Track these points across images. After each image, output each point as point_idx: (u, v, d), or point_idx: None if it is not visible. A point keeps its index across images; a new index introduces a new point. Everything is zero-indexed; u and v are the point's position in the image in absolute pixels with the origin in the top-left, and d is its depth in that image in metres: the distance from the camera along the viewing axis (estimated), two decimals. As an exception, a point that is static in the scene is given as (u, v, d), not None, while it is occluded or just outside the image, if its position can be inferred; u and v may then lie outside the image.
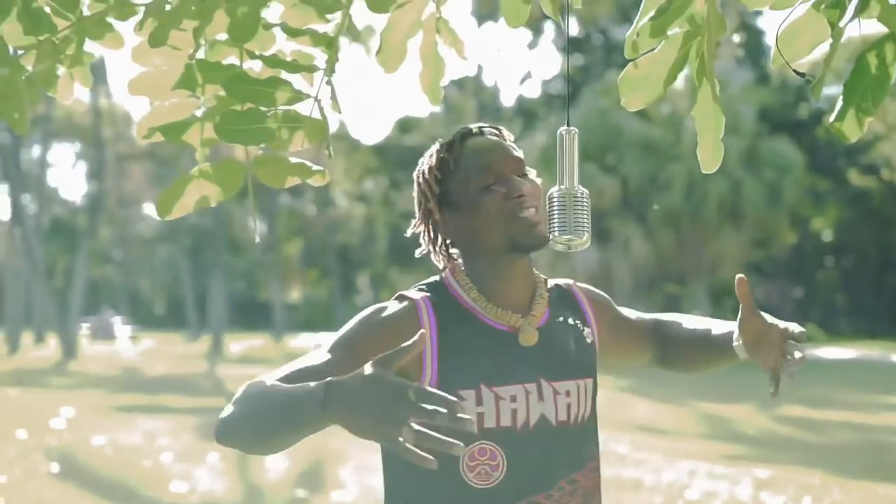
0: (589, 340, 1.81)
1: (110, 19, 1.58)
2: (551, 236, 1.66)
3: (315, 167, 1.58)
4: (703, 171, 1.50)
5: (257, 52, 1.59)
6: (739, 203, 25.41)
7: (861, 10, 1.37)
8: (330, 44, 1.59)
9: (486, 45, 50.45)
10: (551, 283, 1.85)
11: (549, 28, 33.71)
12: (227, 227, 37.13)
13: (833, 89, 1.68)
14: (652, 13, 1.44)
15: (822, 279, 39.61)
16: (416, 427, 1.23)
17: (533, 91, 42.03)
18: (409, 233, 1.83)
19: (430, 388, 1.25)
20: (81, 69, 1.62)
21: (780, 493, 7.22)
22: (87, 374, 19.79)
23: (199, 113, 1.60)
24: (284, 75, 1.57)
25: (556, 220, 1.64)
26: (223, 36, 1.58)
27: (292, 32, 1.57)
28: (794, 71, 1.43)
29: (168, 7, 1.54)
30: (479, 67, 30.82)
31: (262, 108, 1.54)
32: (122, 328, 38.69)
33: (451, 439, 1.23)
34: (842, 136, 1.39)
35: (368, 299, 45.70)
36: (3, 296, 33.36)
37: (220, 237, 33.24)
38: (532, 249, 1.72)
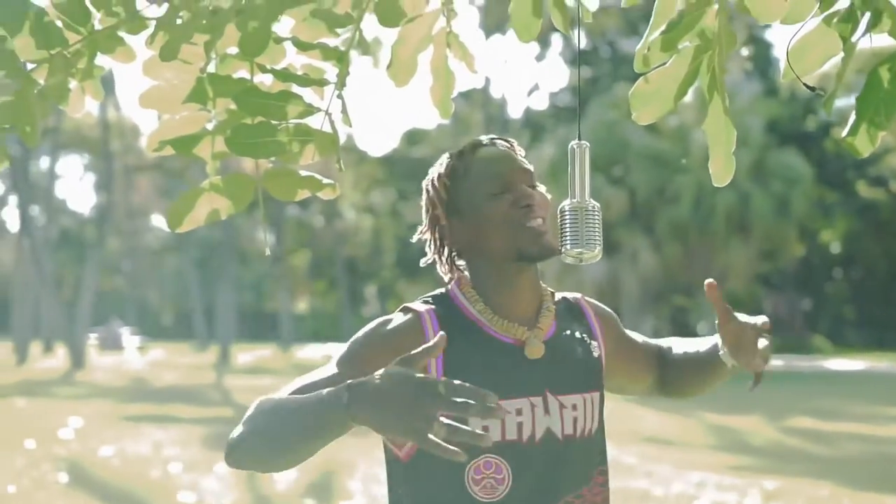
0: (596, 354, 1.80)
1: (121, 33, 1.58)
2: (563, 249, 1.65)
3: (325, 180, 1.58)
4: (715, 185, 1.50)
5: (268, 66, 1.59)
6: (748, 215, 25.39)
7: (873, 25, 1.37)
8: (340, 58, 1.59)
9: (494, 57, 50.40)
10: (559, 295, 1.84)
11: (556, 40, 33.72)
12: (235, 239, 37.18)
13: (841, 102, 1.67)
14: (662, 27, 1.44)
15: (830, 291, 39.50)
16: (446, 421, 1.23)
17: (540, 103, 41.96)
18: (414, 238, 1.82)
19: (458, 382, 1.25)
20: (93, 83, 1.62)
21: (790, 505, 7.20)
22: (95, 385, 19.81)
23: (209, 126, 1.60)
24: (295, 89, 1.57)
25: (567, 234, 1.64)
26: (234, 50, 1.58)
27: (303, 46, 1.58)
28: (805, 85, 1.42)
29: (179, 21, 1.55)
30: (487, 79, 30.75)
31: (273, 122, 1.55)
32: (130, 339, 38.70)
33: (480, 432, 1.24)
34: (854, 151, 1.39)
35: (375, 310, 45.76)
36: (12, 306, 33.43)
37: (228, 248, 33.29)
38: (538, 259, 1.71)
